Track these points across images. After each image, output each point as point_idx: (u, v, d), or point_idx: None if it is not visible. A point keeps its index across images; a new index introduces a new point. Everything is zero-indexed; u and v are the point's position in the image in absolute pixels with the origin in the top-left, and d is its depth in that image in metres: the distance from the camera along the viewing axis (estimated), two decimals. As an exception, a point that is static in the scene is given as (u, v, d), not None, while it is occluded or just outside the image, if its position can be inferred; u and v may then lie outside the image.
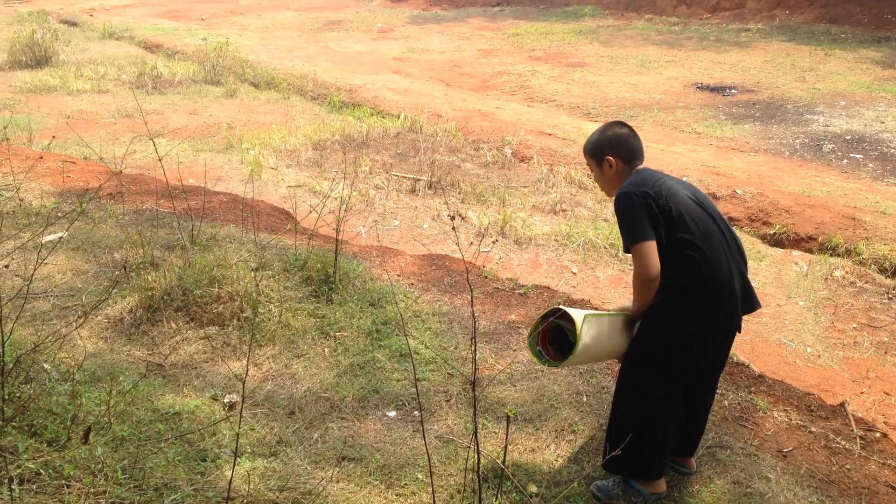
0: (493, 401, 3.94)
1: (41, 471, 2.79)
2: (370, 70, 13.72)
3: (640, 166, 3.18)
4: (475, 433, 2.77)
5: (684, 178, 7.56)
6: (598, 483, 3.33)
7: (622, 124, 3.25)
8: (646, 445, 3.15)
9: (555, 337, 3.18)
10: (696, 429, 3.41)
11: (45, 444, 3.00)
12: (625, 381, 3.20)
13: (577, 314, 2.98)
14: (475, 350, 2.79)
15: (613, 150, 3.15)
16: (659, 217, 2.94)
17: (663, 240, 2.94)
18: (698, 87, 12.34)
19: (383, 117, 10.54)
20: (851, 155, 9.01)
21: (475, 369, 2.70)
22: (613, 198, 3.10)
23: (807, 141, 9.57)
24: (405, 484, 3.25)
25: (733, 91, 12.09)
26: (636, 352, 3.14)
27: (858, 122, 10.25)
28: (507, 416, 2.49)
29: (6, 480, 2.65)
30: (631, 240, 2.95)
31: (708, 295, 2.99)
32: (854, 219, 6.79)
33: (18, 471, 2.74)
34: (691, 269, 2.96)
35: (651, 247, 2.92)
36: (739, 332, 3.17)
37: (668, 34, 16.93)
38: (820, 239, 6.60)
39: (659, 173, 3.14)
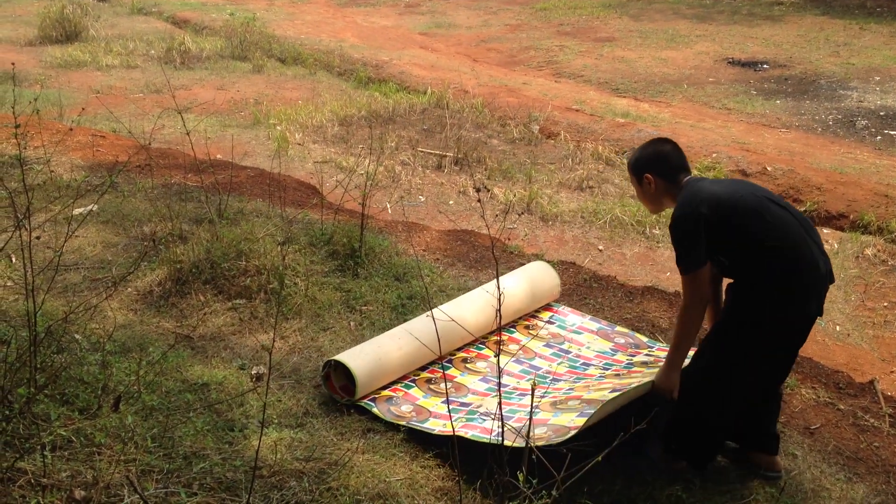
0: (518, 375, 3.93)
1: (73, 438, 2.84)
2: (397, 45, 13.65)
3: (688, 178, 3.12)
4: (499, 405, 2.78)
5: (713, 155, 7.48)
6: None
7: (664, 141, 3.23)
8: (706, 435, 3.14)
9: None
10: (775, 420, 3.36)
11: (77, 413, 3.05)
12: (707, 370, 3.11)
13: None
14: (500, 324, 2.79)
15: (653, 168, 3.14)
16: (724, 233, 2.92)
17: (734, 253, 2.94)
18: (729, 62, 12.13)
19: (409, 93, 10.49)
20: (885, 131, 8.84)
21: (500, 343, 2.71)
22: (653, 214, 3.05)
23: (840, 117, 9.39)
24: (430, 456, 3.28)
25: (765, 66, 11.88)
26: (731, 348, 3.06)
27: (893, 98, 10.03)
28: (532, 388, 2.50)
29: (39, 447, 2.70)
30: (685, 268, 2.97)
31: (800, 285, 2.93)
32: (887, 196, 6.67)
33: (51, 438, 2.80)
34: (779, 265, 2.91)
35: (703, 275, 2.94)
36: (821, 315, 3.09)
37: (698, 8, 16.64)
38: (851, 216, 6.50)
39: (712, 183, 3.08)
